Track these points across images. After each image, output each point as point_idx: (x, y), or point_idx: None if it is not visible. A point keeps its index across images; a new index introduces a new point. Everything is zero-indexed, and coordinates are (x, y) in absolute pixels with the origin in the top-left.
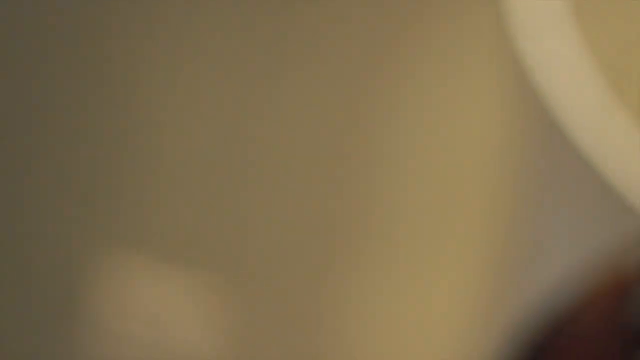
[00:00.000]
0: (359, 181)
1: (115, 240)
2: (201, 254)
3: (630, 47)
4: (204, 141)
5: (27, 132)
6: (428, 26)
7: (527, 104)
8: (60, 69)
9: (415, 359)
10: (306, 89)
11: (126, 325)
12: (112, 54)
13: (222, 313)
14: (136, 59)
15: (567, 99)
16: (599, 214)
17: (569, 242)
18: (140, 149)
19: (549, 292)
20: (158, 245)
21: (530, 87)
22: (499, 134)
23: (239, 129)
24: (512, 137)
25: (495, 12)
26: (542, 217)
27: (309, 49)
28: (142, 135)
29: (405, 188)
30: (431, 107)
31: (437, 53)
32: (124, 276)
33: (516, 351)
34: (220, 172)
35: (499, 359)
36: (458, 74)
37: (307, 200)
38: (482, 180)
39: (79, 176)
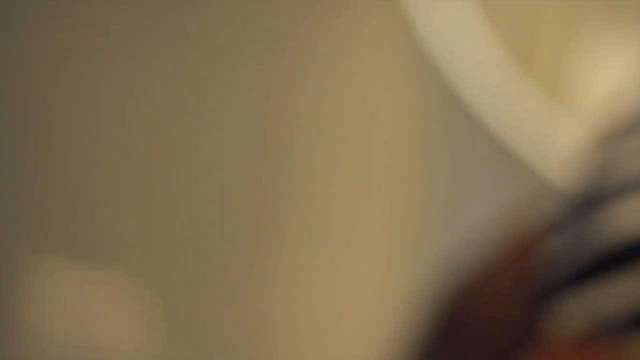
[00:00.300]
0: (273, 173)
1: (36, 243)
2: (123, 254)
3: (533, 23)
4: (121, 144)
5: None
6: (327, 15)
7: (428, 78)
8: None
9: (341, 340)
10: (221, 89)
11: (49, 326)
12: (36, 57)
13: (145, 311)
14: (53, 60)
15: (468, 70)
16: (502, 179)
17: (474, 208)
18: (61, 154)
19: (458, 257)
20: (79, 247)
21: (430, 62)
22: (402, 110)
23: (153, 130)
24: (416, 112)
25: None
26: (447, 185)
27: (214, 51)
28: (62, 140)
29: (319, 168)
30: (336, 91)
31: (338, 43)
32: (47, 278)
33: (430, 316)
34: (139, 174)
35: (413, 325)
36: (359, 57)
37: (225, 199)
38: (391, 155)
39: (0, 181)
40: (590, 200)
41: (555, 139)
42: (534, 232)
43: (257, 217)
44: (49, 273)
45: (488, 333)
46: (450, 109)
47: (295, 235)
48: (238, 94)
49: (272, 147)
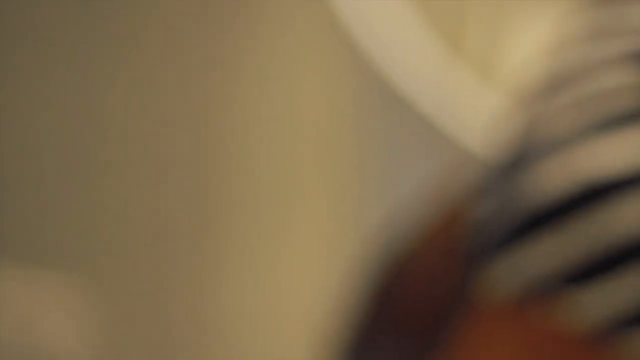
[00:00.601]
0: (214, 159)
1: None
2: (66, 255)
3: (465, 15)
4: (61, 145)
5: None
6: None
7: (356, 60)
8: None
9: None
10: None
11: None
12: None
13: (88, 311)
14: None
15: (394, 48)
16: (431, 154)
17: (406, 184)
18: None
19: (390, 233)
20: (20, 249)
21: (356, 42)
22: (335, 95)
23: (93, 128)
24: (348, 96)
25: None
26: (379, 164)
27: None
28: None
29: (258, 152)
30: (271, 72)
31: (270, 32)
32: None
33: (364, 294)
34: (78, 175)
35: (350, 304)
36: (291, 44)
37: (165, 195)
38: (325, 139)
39: None
40: (514, 164)
41: (481, 111)
42: (462, 201)
43: (199, 205)
44: None
45: (419, 309)
46: (380, 89)
47: (238, 229)
48: (175, 92)
49: (212, 135)
